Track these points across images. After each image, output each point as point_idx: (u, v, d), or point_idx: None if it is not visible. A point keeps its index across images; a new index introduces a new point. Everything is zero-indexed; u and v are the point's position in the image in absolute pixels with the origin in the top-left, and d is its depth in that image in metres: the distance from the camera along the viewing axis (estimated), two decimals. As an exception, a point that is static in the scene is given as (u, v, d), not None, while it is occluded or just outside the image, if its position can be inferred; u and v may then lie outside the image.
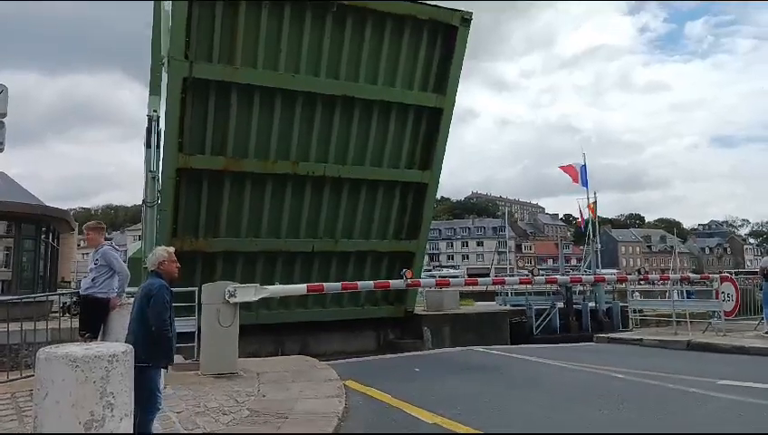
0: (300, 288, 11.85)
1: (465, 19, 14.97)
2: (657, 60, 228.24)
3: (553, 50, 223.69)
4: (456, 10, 14.90)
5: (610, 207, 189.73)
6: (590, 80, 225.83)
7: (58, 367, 3.67)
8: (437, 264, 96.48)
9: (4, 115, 6.64)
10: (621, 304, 21.01)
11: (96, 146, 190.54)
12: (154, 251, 5.10)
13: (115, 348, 3.95)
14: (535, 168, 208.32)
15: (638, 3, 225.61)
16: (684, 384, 7.83)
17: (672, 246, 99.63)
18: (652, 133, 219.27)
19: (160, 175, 13.79)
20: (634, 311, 15.98)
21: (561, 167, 28.96)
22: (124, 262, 7.58)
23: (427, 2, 14.73)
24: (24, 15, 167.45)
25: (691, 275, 23.12)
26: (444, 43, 15.26)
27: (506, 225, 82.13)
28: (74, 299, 10.81)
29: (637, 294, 18.35)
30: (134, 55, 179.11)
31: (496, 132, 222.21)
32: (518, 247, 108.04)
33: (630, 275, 21.91)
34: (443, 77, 15.43)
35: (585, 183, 28.71)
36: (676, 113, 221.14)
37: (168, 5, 13.53)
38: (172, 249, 5.17)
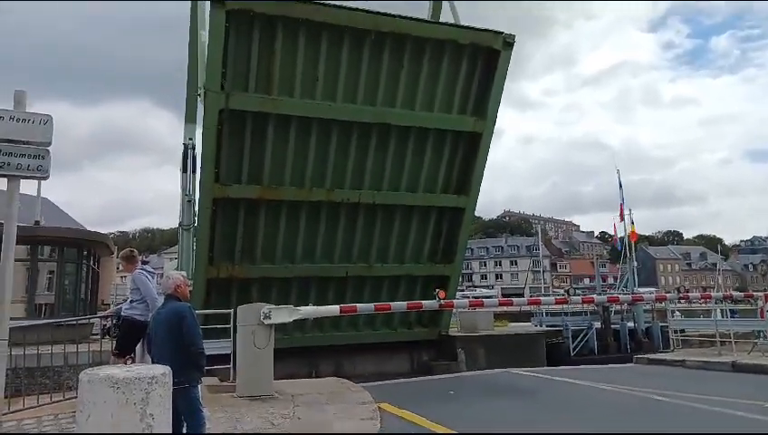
0: (333, 309, 11.86)
1: (508, 42, 14.63)
2: (685, 75, 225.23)
3: (574, 69, 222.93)
4: (499, 33, 14.59)
5: (645, 223, 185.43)
6: (615, 96, 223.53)
7: (100, 389, 3.76)
8: (470, 284, 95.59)
9: (50, 144, 6.90)
10: (661, 323, 20.47)
11: (130, 173, 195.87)
12: (169, 275, 5.33)
13: (154, 370, 4.03)
14: (564, 185, 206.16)
15: (660, 18, 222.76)
16: (730, 407, 7.56)
17: (714, 263, 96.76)
18: (682, 148, 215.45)
19: (197, 199, 14.03)
20: (675, 331, 15.53)
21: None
22: (159, 284, 7.78)
23: (466, 25, 14.54)
24: (52, 45, 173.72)
25: (734, 293, 22.39)
26: (484, 66, 14.94)
27: (540, 243, 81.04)
28: (114, 322, 11.05)
29: (677, 313, 17.81)
30: (162, 84, 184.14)
31: (521, 150, 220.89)
32: (553, 266, 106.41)
33: (669, 293, 21.27)
34: (482, 100, 15.13)
35: (622, 199, 28.41)
36: (707, 128, 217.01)
37: (204, 36, 13.80)
38: (185, 273, 5.69)
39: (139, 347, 7.29)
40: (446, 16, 16.08)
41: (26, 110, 6.84)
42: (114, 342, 7.68)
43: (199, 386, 5.17)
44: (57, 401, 7.93)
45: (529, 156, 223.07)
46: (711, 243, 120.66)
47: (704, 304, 22.63)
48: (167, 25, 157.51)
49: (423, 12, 16.83)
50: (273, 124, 13.61)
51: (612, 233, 32.99)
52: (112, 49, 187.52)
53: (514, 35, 14.70)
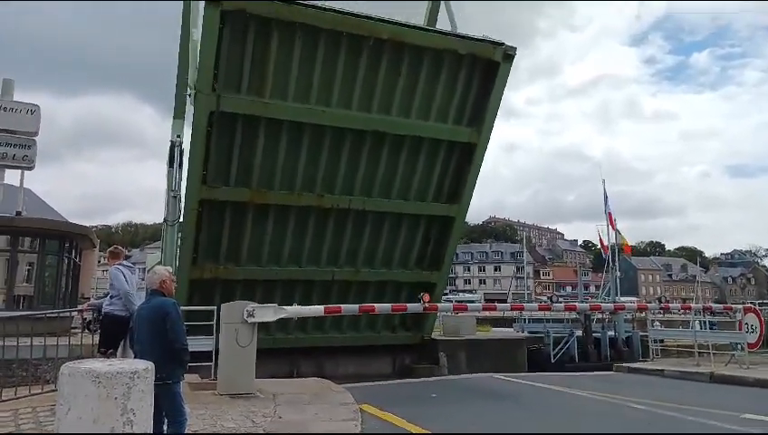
0: (317, 310, 11.81)
1: (508, 54, 14.41)
2: (665, 90, 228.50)
3: (558, 79, 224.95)
4: (499, 44, 14.33)
5: (626, 233, 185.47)
6: (598, 108, 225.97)
7: (81, 382, 3.72)
8: (454, 288, 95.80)
9: (36, 134, 6.85)
10: (641, 333, 20.66)
11: (113, 166, 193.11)
12: (155, 270, 5.27)
13: (136, 365, 3.99)
14: (547, 193, 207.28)
15: (642, 34, 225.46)
16: (705, 417, 7.67)
17: (694, 275, 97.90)
18: (663, 161, 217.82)
19: (183, 196, 13.88)
20: (654, 341, 15.69)
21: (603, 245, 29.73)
22: (142, 279, 7.79)
23: (466, 35, 14.25)
24: (32, 37, 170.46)
25: (713, 305, 22.69)
26: (483, 77, 14.69)
27: (524, 250, 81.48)
28: (95, 315, 10.93)
29: (657, 323, 18.01)
30: (146, 79, 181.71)
31: (505, 158, 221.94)
32: (536, 273, 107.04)
33: (650, 303, 21.58)
34: (479, 111, 14.93)
35: (610, 208, 28.74)
36: (687, 142, 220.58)
37: (196, 34, 13.51)
38: (171, 268, 5.57)
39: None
40: (442, 20, 16.02)
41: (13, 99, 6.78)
42: (96, 338, 7.63)
43: (181, 383, 5.14)
44: (35, 394, 7.83)
45: (512, 163, 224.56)
46: (692, 255, 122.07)
47: (683, 315, 22.88)
48: (153, 21, 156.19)
49: (420, 10, 16.60)
50: (265, 127, 13.34)
51: (595, 242, 33.47)
52: (98, 41, 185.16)
53: (515, 47, 14.42)
